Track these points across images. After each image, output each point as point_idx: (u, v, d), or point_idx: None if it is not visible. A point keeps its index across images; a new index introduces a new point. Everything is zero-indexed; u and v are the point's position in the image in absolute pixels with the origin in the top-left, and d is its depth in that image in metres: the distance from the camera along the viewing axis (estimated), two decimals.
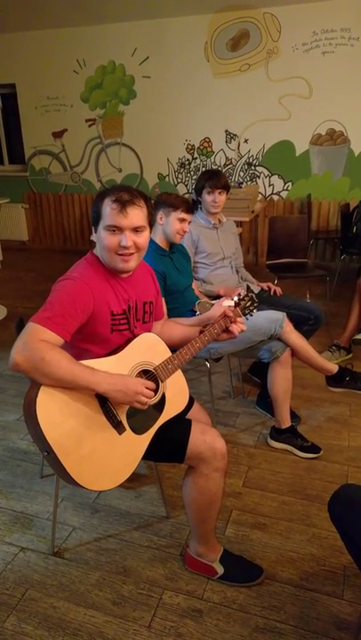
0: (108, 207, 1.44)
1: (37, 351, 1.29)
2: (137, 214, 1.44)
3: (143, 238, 1.49)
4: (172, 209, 2.25)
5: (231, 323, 1.62)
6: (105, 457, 1.41)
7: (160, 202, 2.29)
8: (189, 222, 2.31)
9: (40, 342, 1.31)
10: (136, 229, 1.46)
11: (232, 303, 1.70)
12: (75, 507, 2.05)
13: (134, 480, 2.19)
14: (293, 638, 1.51)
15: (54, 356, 1.30)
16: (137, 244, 1.47)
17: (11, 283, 5.27)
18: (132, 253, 1.47)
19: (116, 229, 1.44)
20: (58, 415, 1.33)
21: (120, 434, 1.44)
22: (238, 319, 1.64)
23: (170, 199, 2.28)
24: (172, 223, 2.26)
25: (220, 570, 1.69)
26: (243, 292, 1.76)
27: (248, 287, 1.93)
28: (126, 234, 1.44)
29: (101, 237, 1.46)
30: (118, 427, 1.44)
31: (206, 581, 1.70)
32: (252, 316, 1.76)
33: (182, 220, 2.27)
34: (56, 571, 1.76)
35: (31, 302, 4.60)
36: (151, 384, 1.44)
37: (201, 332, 1.69)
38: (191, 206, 2.30)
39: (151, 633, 1.53)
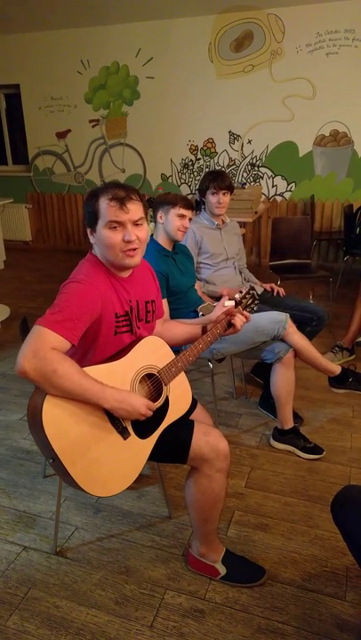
0: (106, 205, 1.43)
1: (49, 361, 1.26)
2: (136, 208, 1.45)
3: (143, 231, 1.49)
4: (170, 206, 2.26)
5: (233, 317, 1.65)
6: (111, 463, 1.41)
7: (158, 202, 2.30)
8: (190, 219, 2.32)
9: (51, 351, 1.28)
10: (136, 223, 1.46)
11: (233, 303, 1.71)
12: (77, 506, 2.06)
13: (137, 480, 2.17)
14: (295, 639, 1.51)
15: (66, 369, 1.28)
16: (139, 238, 1.47)
17: (14, 282, 5.29)
18: (136, 248, 1.48)
19: (117, 225, 1.44)
20: (64, 423, 1.32)
21: (125, 439, 1.45)
22: (239, 314, 1.67)
23: (167, 197, 2.30)
24: (171, 220, 2.27)
25: (223, 570, 1.69)
26: (244, 290, 1.76)
27: (251, 287, 1.93)
28: (129, 228, 1.45)
29: (103, 236, 1.45)
30: (123, 432, 1.44)
31: (209, 582, 1.70)
32: (253, 312, 1.77)
33: (182, 217, 2.27)
34: (59, 570, 1.76)
35: (34, 302, 4.61)
36: (153, 405, 1.46)
37: (203, 329, 1.69)
38: (190, 202, 2.30)
39: (153, 633, 1.53)
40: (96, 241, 1.49)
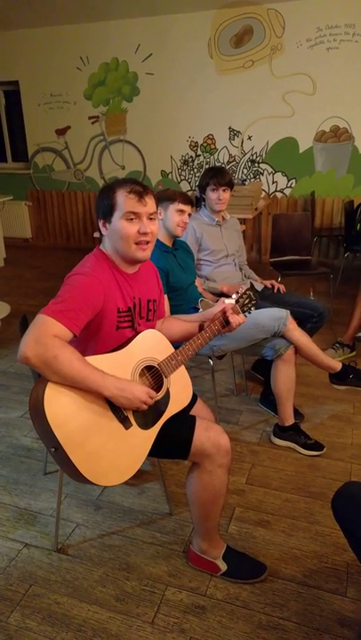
0: (124, 197, 1.48)
1: (50, 347, 1.28)
2: (152, 202, 1.52)
3: (156, 226, 1.55)
4: (169, 202, 2.26)
5: (229, 315, 1.66)
6: (112, 452, 1.42)
7: (157, 198, 2.30)
8: (189, 214, 2.32)
9: (52, 338, 1.30)
10: (151, 217, 1.52)
11: (233, 301, 1.71)
12: (78, 503, 2.06)
13: (137, 477, 2.20)
14: (296, 635, 1.51)
15: (67, 355, 1.29)
16: (152, 232, 1.52)
17: (14, 280, 5.28)
18: (149, 241, 1.52)
19: (134, 217, 1.48)
20: (66, 412, 1.33)
21: (127, 429, 1.45)
22: (235, 314, 1.68)
23: (166, 193, 2.30)
24: (171, 216, 2.27)
25: (224, 567, 1.70)
26: (241, 290, 1.76)
27: (251, 285, 1.93)
28: (144, 221, 1.50)
29: (118, 227, 1.49)
30: (125, 422, 1.44)
31: (209, 578, 1.71)
32: (250, 313, 1.77)
33: (181, 212, 2.27)
34: (60, 567, 1.76)
35: (34, 300, 4.61)
36: (154, 393, 1.46)
37: (200, 327, 1.70)
38: (188, 197, 2.31)
39: (154, 629, 1.54)
40: (109, 233, 1.52)
